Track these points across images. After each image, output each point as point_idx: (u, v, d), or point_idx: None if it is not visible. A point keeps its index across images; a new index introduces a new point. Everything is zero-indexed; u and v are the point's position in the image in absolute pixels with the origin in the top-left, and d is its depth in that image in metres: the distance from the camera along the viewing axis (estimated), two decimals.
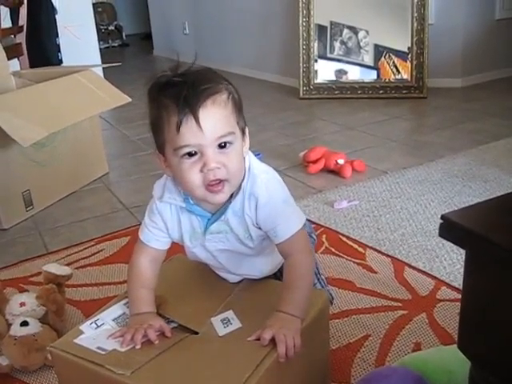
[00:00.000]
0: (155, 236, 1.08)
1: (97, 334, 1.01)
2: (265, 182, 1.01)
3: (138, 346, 0.96)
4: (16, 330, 1.35)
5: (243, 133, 1.00)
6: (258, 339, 0.94)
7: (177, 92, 0.90)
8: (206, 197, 0.96)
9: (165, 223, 1.06)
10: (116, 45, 7.82)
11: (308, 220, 1.97)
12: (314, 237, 1.42)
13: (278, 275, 1.16)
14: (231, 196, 1.00)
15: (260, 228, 1.03)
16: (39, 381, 1.32)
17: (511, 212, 0.69)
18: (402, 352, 1.31)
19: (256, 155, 1.07)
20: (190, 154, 0.93)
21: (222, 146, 0.93)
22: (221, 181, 0.94)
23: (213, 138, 0.91)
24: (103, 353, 0.95)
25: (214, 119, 0.91)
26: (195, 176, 0.93)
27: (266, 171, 1.04)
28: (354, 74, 3.82)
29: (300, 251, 1.02)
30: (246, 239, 1.04)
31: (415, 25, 3.61)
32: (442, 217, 0.67)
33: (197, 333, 1.00)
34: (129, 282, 1.09)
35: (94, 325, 1.03)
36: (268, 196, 1.00)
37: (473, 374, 0.74)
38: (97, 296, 1.64)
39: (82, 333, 1.01)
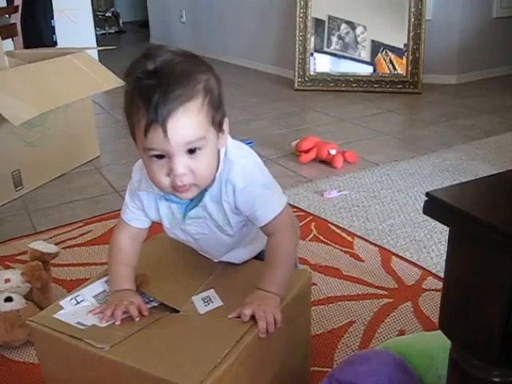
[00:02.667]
0: (136, 215, 1.07)
1: (76, 309, 1.00)
2: (242, 167, 0.99)
3: (118, 322, 0.95)
4: (0, 306, 1.34)
5: (220, 127, 0.96)
6: (239, 317, 0.93)
7: (148, 95, 0.85)
8: (173, 194, 0.96)
9: (143, 207, 1.05)
10: (112, 31, 7.79)
11: (297, 208, 1.98)
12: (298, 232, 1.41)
13: (259, 257, 1.16)
14: None
15: (240, 213, 1.01)
16: (21, 357, 1.32)
17: (496, 191, 0.69)
18: (385, 339, 1.31)
19: (247, 143, 1.06)
20: (158, 156, 0.90)
21: (191, 151, 0.90)
22: (187, 184, 0.92)
23: (179, 145, 0.88)
24: (82, 328, 0.94)
25: (182, 128, 0.88)
26: (163, 178, 0.92)
27: (245, 155, 1.02)
28: (349, 68, 3.81)
29: (282, 231, 1.01)
30: (224, 225, 1.03)
31: (412, 20, 3.61)
32: (427, 194, 0.67)
33: (178, 311, 1.00)
34: (109, 258, 1.08)
35: (73, 301, 1.02)
36: (246, 181, 0.98)
37: (453, 354, 0.74)
38: (83, 275, 1.63)
39: (61, 308, 1.00)
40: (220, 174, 0.98)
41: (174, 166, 0.89)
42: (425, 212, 0.68)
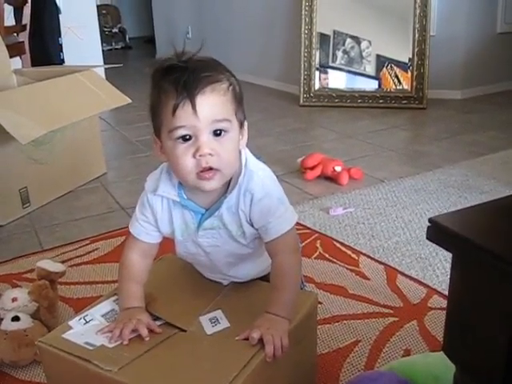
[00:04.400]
0: (145, 230, 1.07)
1: (85, 329, 1.01)
2: (261, 178, 1.01)
3: (126, 342, 0.96)
4: (7, 325, 1.35)
5: (241, 125, 1.00)
6: (246, 339, 0.94)
7: (177, 77, 0.92)
8: (197, 184, 0.96)
9: (155, 217, 1.06)
10: (119, 47, 7.86)
11: (302, 226, 1.99)
12: (299, 245, 1.41)
13: (265, 278, 1.16)
14: (226, 191, 1.01)
15: (252, 225, 1.03)
16: (28, 376, 1.32)
17: (499, 217, 0.70)
18: (391, 358, 1.31)
19: (257, 158, 1.08)
20: (185, 139, 0.93)
21: (217, 134, 0.94)
22: (212, 169, 0.94)
23: (207, 121, 0.92)
24: (91, 348, 0.95)
25: (210, 105, 0.92)
26: (188, 161, 0.94)
27: (263, 168, 1.04)
28: (354, 82, 3.83)
29: (287, 251, 1.02)
30: (238, 236, 1.04)
31: (417, 36, 3.63)
32: (430, 220, 0.68)
33: (185, 331, 1.00)
34: (119, 276, 1.09)
35: (82, 320, 1.03)
36: (264, 192, 1.00)
37: (457, 378, 0.74)
38: (89, 294, 1.64)
39: (70, 328, 1.01)
40: (240, 183, 1.00)
41: (201, 144, 0.92)
42: (428, 238, 0.68)
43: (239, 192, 1.00)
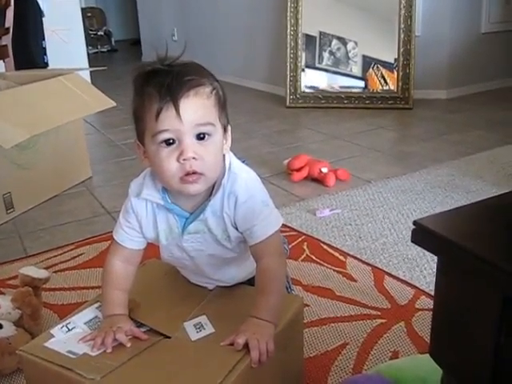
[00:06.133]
0: (129, 236, 1.06)
1: (68, 337, 0.99)
2: (245, 181, 1.01)
3: (109, 350, 0.94)
4: None
5: (225, 130, 1.00)
6: (231, 344, 0.93)
7: (160, 81, 0.91)
8: (180, 188, 0.95)
9: (139, 222, 1.04)
10: (105, 50, 7.82)
11: (289, 228, 1.98)
12: (287, 248, 1.41)
13: (251, 281, 1.15)
14: (210, 194, 1.00)
15: (237, 228, 1.02)
16: None
17: (483, 219, 0.69)
18: (379, 360, 1.30)
19: (241, 161, 1.07)
20: (168, 143, 0.92)
21: (200, 138, 0.93)
22: (196, 173, 0.93)
23: (191, 125, 0.91)
24: (74, 357, 0.94)
25: (194, 108, 0.92)
26: (172, 165, 0.93)
27: (247, 171, 1.04)
28: (341, 83, 3.83)
29: (272, 255, 1.02)
30: (223, 240, 1.03)
31: (402, 36, 3.63)
32: (415, 222, 0.67)
33: (169, 337, 0.99)
34: (103, 282, 1.08)
35: (65, 328, 1.01)
36: (248, 195, 0.99)
37: (444, 381, 0.74)
38: (74, 300, 1.62)
39: (52, 336, 1.00)
40: (224, 186, 0.99)
41: (184, 148, 0.92)
42: (413, 241, 0.68)
43: (223, 195, 1.00)
